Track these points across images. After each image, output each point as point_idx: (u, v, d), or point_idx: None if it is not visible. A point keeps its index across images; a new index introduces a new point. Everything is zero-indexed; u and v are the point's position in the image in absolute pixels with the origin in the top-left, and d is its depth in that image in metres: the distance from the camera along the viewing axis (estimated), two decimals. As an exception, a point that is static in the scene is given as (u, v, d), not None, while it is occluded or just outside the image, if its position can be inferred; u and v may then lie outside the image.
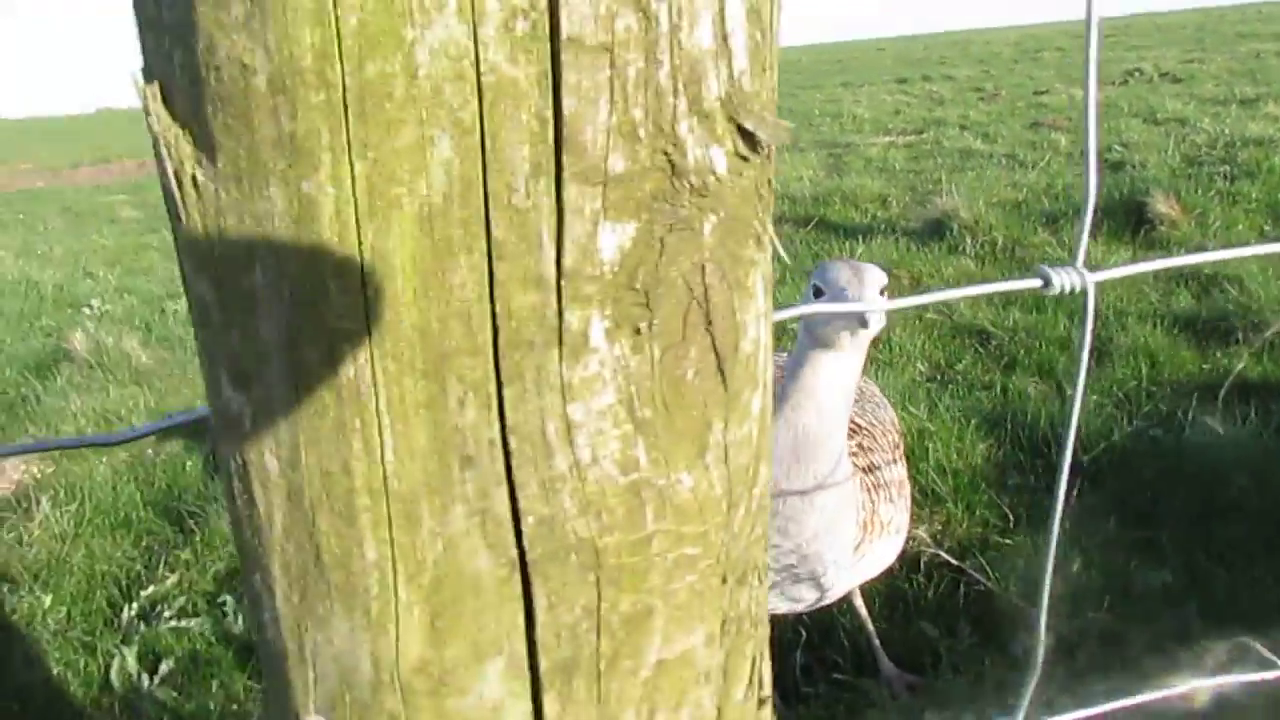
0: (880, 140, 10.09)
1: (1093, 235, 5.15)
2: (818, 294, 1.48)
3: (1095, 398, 3.31)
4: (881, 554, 1.70)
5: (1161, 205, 5.00)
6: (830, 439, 1.50)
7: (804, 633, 2.24)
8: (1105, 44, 22.86)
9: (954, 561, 2.35)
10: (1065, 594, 2.22)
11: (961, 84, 16.25)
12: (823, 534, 1.55)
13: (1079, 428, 2.87)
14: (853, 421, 1.75)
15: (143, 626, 2.38)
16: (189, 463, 3.36)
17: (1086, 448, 2.82)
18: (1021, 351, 3.77)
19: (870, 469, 1.70)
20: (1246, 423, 2.81)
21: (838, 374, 1.47)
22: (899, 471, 1.76)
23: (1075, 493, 2.59)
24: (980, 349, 3.91)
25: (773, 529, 1.52)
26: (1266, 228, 5.05)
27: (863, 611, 2.08)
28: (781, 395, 1.53)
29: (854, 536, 1.62)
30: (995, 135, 9.32)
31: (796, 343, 1.57)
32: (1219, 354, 3.53)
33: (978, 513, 2.61)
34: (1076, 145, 8.18)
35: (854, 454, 1.68)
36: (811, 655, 2.20)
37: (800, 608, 1.70)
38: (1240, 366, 3.36)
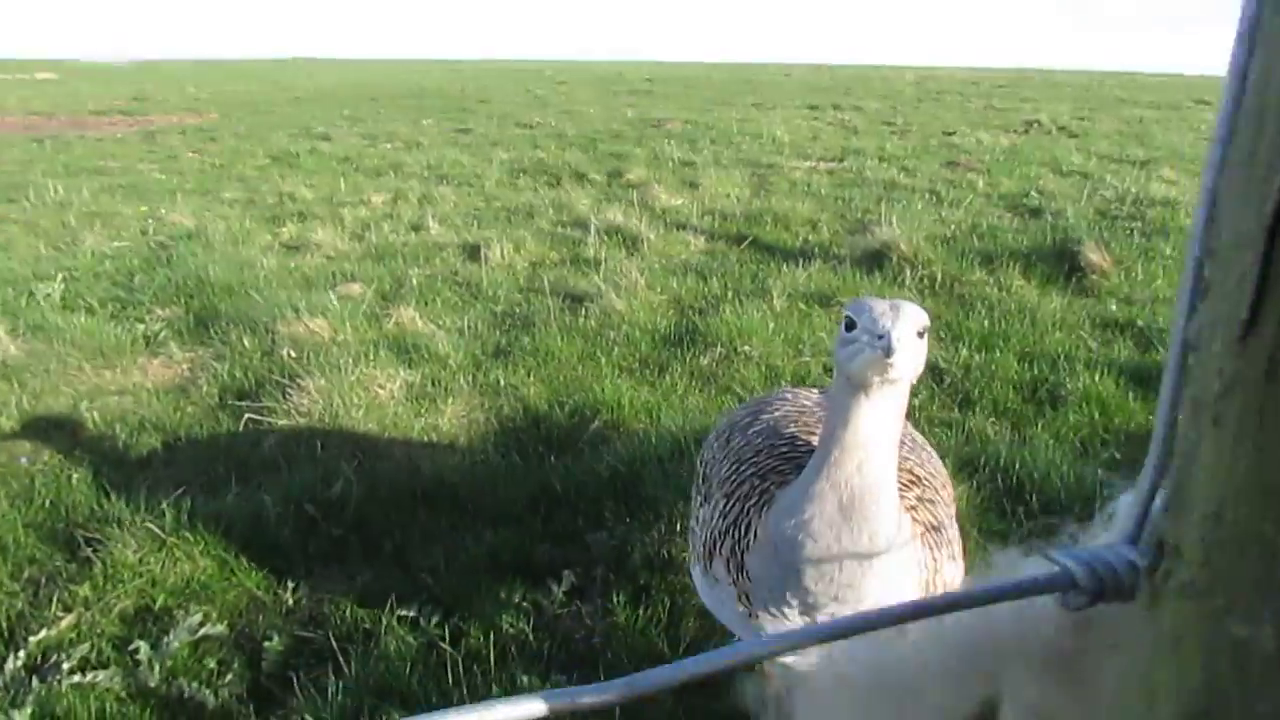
0: (802, 164, 10.25)
1: (1025, 278, 5.31)
2: (849, 327, 1.34)
3: (1051, 441, 3.35)
4: None
5: (1093, 255, 5.20)
6: (880, 493, 1.38)
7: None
8: (1001, 94, 24.11)
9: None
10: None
11: (871, 116, 16.78)
12: (885, 595, 1.42)
13: (1061, 486, 2.87)
14: (910, 472, 1.64)
15: (35, 682, 2.02)
16: (75, 474, 2.97)
17: (1065, 497, 2.82)
18: (976, 390, 3.81)
19: (933, 526, 1.57)
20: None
21: (877, 420, 1.35)
22: (955, 525, 1.66)
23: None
24: (935, 385, 3.94)
25: (829, 597, 1.40)
26: (1186, 284, 5.31)
27: None
28: (820, 448, 1.41)
29: (917, 596, 1.50)
30: (915, 170, 9.61)
31: (832, 387, 1.44)
32: (1167, 406, 3.63)
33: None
34: (993, 187, 8.51)
35: (913, 508, 1.56)
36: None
37: None
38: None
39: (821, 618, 1.41)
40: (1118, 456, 3.26)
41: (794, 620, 1.46)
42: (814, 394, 1.97)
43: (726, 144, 12.10)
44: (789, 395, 1.96)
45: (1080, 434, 3.42)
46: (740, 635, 1.66)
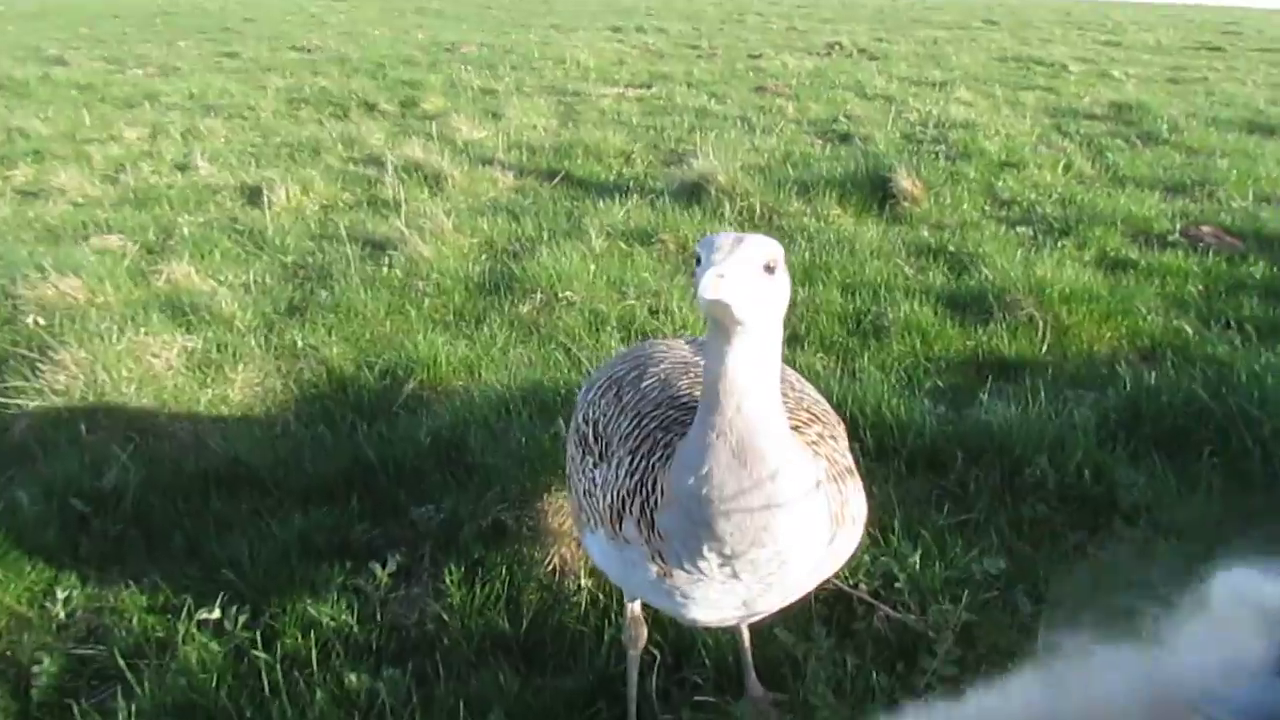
0: (610, 91, 10.15)
1: (841, 207, 5.51)
2: (698, 263, 1.35)
3: (878, 372, 3.50)
4: (844, 547, 1.61)
5: (905, 182, 5.45)
6: (768, 432, 1.40)
7: (658, 654, 2.11)
8: (801, 14, 24.84)
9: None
10: (912, 588, 2.29)
11: (676, 39, 16.84)
12: (800, 532, 1.46)
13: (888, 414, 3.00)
14: (807, 410, 1.68)
15: None
16: None
17: (897, 433, 2.95)
18: (803, 326, 3.92)
19: (835, 460, 1.60)
20: (1035, 403, 3.10)
21: (746, 361, 1.37)
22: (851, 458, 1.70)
23: (899, 481, 2.71)
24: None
25: (746, 543, 1.43)
26: (987, 207, 5.69)
27: (744, 626, 1.99)
28: (702, 397, 1.42)
29: (829, 531, 1.53)
30: (724, 96, 9.74)
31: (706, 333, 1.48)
32: (980, 331, 3.89)
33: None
34: (802, 113, 8.76)
35: (815, 443, 1.60)
36: (670, 679, 2.08)
37: (756, 619, 1.58)
38: (1003, 345, 3.73)
39: (741, 566, 1.46)
40: (940, 385, 3.44)
41: (713, 573, 1.48)
42: (684, 344, 1.97)
43: (528, 70, 11.80)
44: (664, 347, 1.95)
45: (905, 364, 3.59)
46: (650, 599, 1.67)
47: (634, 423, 1.66)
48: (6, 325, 3.98)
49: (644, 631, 1.98)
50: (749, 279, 1.28)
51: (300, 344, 3.84)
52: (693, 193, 5.63)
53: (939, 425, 3.00)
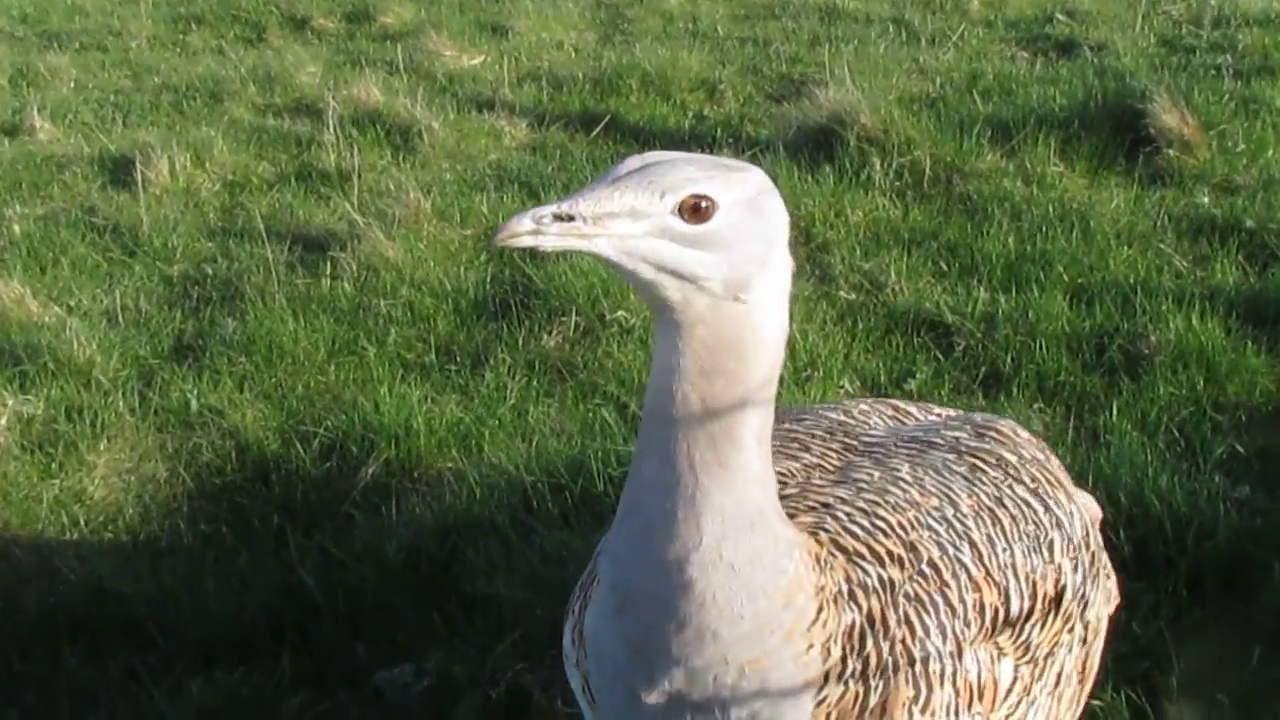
0: (680, -15, 10.23)
1: (1065, 161, 5.45)
2: None
3: (1135, 432, 3.45)
4: None
5: (1167, 117, 5.38)
6: (704, 502, 1.49)
7: None
8: None
9: None
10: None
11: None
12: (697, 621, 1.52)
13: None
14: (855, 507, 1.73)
15: None
16: None
17: (1171, 531, 2.91)
18: (1008, 357, 3.88)
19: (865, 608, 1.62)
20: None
21: (670, 358, 1.47)
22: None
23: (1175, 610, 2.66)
24: (939, 354, 3.98)
25: (668, 661, 1.53)
26: (1306, 154, 5.58)
27: None
28: None
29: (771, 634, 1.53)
30: (867, -13, 9.75)
31: None
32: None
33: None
34: (995, 8, 8.71)
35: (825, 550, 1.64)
36: None
37: None
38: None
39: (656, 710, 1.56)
40: (1239, 450, 3.36)
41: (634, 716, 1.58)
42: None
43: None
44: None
45: (1179, 418, 3.52)
46: None
47: None
48: None
49: None
50: (630, 220, 1.38)
51: (195, 405, 3.92)
52: (820, 143, 5.63)
53: (1240, 519, 2.95)
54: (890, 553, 1.66)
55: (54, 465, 3.68)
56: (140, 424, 3.87)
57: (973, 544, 1.74)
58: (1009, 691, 1.70)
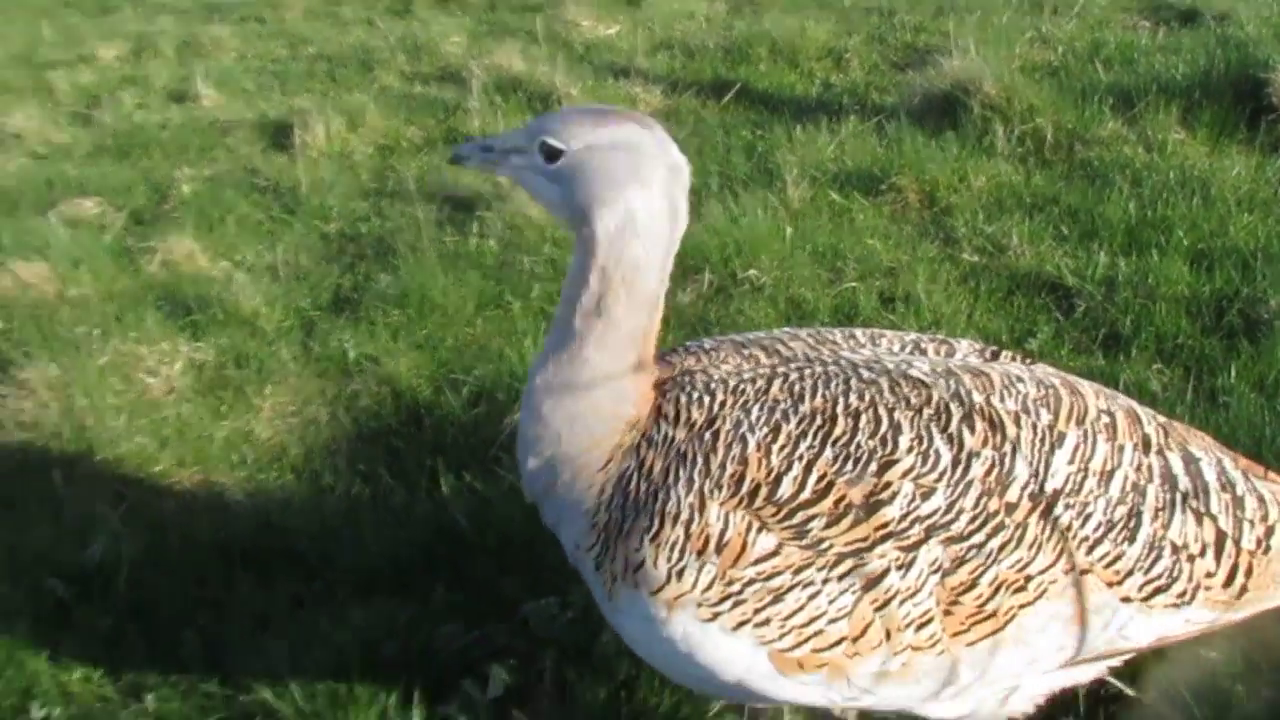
0: (807, -44, 10.17)
1: (1187, 128, 5.34)
2: None
3: (1254, 394, 3.39)
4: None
5: (1293, 85, 5.24)
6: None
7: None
8: None
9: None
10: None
11: None
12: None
13: None
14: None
15: None
16: None
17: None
18: (1127, 320, 3.84)
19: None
20: None
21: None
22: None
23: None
24: (1060, 315, 3.95)
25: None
26: None
27: None
28: None
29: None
30: (991, -44, 9.59)
31: None
32: None
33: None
34: (1123, -26, 8.53)
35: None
36: None
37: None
38: None
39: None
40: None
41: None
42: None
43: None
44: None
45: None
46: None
47: None
48: (-50, 331, 4.34)
49: None
50: (515, 164, 2.01)
51: (352, 354, 4.03)
52: (944, 110, 5.58)
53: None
54: (690, 420, 1.96)
55: (223, 408, 3.82)
56: (302, 371, 4.00)
57: (775, 430, 1.92)
58: (764, 559, 1.84)
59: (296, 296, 4.47)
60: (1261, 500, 1.98)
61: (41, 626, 2.89)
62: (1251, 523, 1.94)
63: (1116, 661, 2.03)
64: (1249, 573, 1.92)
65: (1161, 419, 2.08)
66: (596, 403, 1.99)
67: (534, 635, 2.78)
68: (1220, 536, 1.91)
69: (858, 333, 2.20)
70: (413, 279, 4.45)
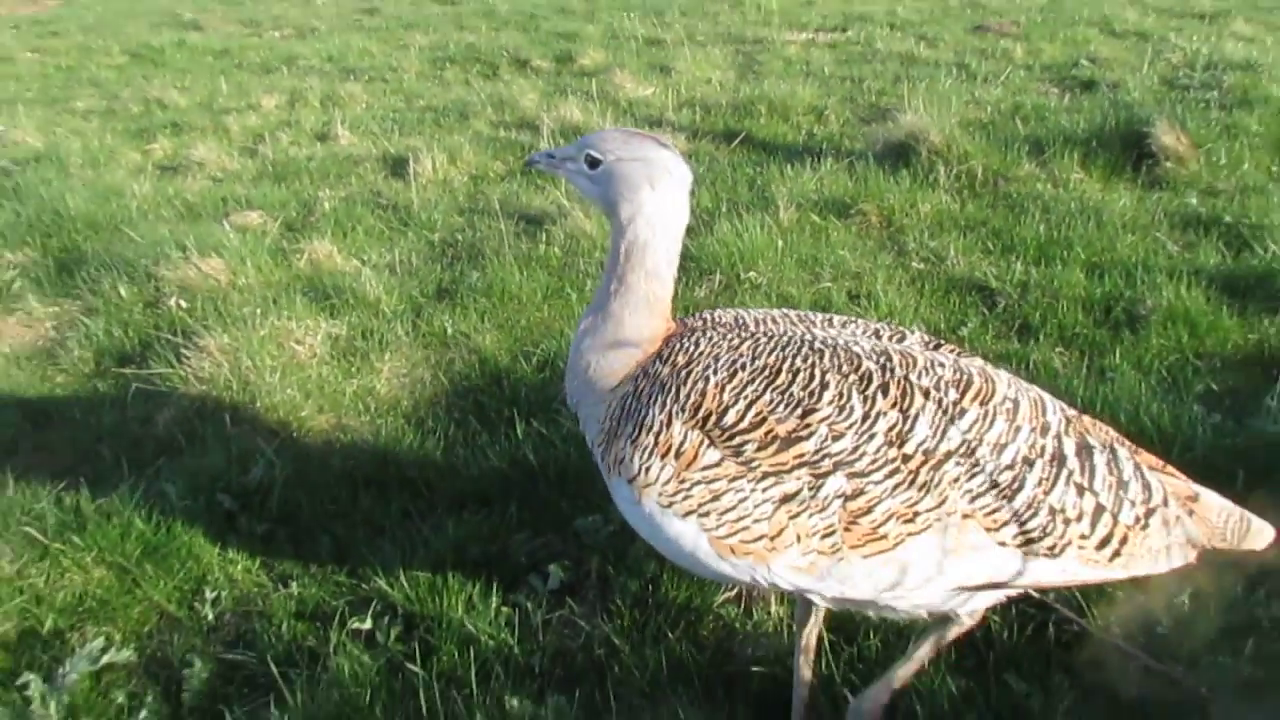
0: (797, 37, 10.08)
1: (1085, 169, 5.29)
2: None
3: (1134, 372, 3.37)
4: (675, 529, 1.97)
5: (1166, 137, 5.18)
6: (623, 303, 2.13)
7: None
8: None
9: (1036, 595, 2.29)
10: (1180, 636, 2.20)
11: (875, -28, 16.50)
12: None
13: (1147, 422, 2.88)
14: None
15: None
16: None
17: (1160, 446, 2.83)
18: (1037, 314, 3.81)
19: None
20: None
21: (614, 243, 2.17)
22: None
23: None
24: (985, 310, 3.93)
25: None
26: (1275, 168, 5.32)
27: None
28: None
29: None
30: (936, 38, 9.49)
31: None
32: (1265, 323, 3.66)
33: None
34: (1034, 56, 8.42)
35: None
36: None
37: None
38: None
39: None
40: (1214, 388, 3.28)
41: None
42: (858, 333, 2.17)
43: (700, 14, 11.86)
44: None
45: (1168, 362, 3.45)
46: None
47: None
48: (149, 308, 4.37)
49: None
50: (569, 169, 2.15)
51: (450, 331, 4.04)
52: (899, 154, 5.54)
53: (1214, 437, 2.86)
54: (675, 361, 2.03)
55: (352, 369, 3.83)
56: (412, 343, 4.01)
57: (731, 375, 1.96)
58: (709, 468, 1.90)
59: (409, 287, 4.48)
60: (1147, 487, 1.93)
61: (213, 530, 2.93)
62: (1133, 503, 1.90)
63: (1013, 592, 1.98)
64: (1124, 541, 1.88)
65: (1071, 412, 2.04)
66: (616, 345, 2.11)
67: (583, 543, 2.80)
68: (1099, 509, 1.87)
69: (835, 318, 2.19)
70: (496, 275, 4.45)
